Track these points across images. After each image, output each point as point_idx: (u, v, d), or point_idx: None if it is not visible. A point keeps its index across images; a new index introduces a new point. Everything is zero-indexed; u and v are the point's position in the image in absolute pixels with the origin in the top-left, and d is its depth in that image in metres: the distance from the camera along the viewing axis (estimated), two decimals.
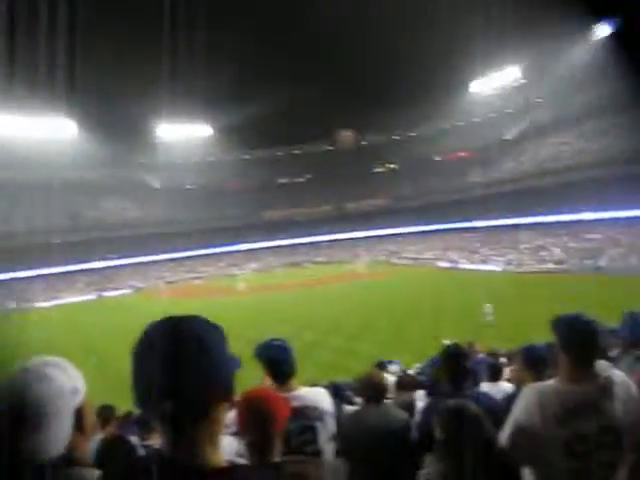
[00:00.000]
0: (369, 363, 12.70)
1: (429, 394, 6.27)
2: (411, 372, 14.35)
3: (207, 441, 1.13)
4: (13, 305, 61.94)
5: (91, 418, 1.66)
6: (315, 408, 3.19)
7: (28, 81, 72.91)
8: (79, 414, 1.57)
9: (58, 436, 1.48)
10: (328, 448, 3.20)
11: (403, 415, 3.94)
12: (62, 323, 45.18)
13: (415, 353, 19.85)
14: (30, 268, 68.85)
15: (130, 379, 1.13)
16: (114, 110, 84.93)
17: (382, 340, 26.32)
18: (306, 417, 3.14)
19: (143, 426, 4.94)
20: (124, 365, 1.31)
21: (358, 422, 3.42)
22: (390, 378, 16.44)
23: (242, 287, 54.24)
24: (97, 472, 1.58)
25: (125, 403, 2.85)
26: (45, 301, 63.39)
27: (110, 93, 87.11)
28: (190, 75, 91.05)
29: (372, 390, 4.04)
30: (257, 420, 2.11)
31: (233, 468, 1.18)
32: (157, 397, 1.08)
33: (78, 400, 1.57)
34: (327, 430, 3.19)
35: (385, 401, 4.14)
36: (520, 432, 2.46)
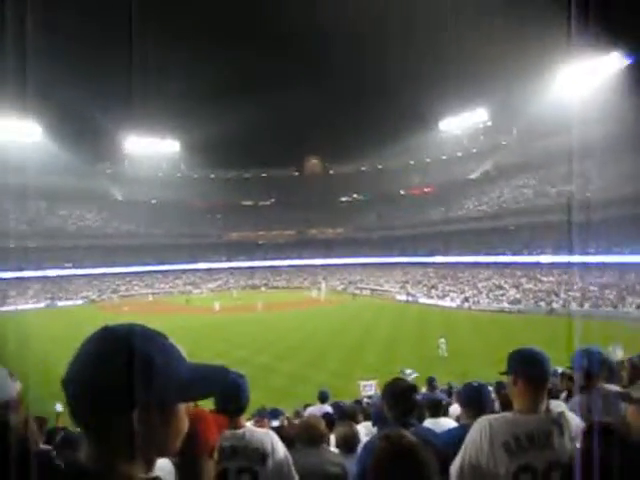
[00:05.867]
0: (319, 390, 12.57)
1: (374, 425, 6.23)
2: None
3: (125, 453, 1.06)
4: None
5: None
6: (256, 449, 3.10)
7: None
8: None
9: None
10: None
11: (339, 459, 3.92)
12: (10, 329, 43.97)
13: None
14: None
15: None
16: (83, 118, 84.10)
17: (334, 369, 26.22)
18: (246, 458, 3.06)
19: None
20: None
21: (294, 467, 3.33)
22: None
23: (217, 307, 53.68)
24: None
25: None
26: None
27: (81, 101, 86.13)
28: (161, 91, 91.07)
29: (309, 434, 3.99)
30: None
31: None
32: (73, 406, 1.06)
33: None
34: (269, 474, 3.07)
35: (323, 445, 4.09)
36: (469, 462, 2.44)
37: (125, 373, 1.03)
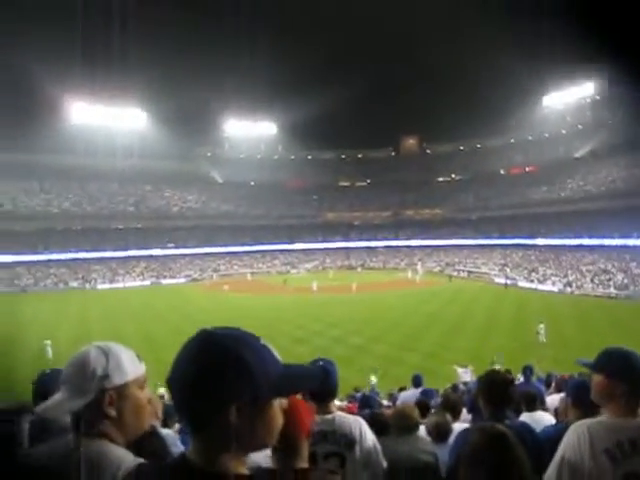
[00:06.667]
0: (412, 372, 12.62)
1: (469, 412, 6.20)
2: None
3: (224, 448, 1.17)
4: (75, 284, 64.51)
5: (131, 407, 1.78)
6: (344, 435, 3.17)
7: (106, 72, 76.09)
8: (102, 398, 1.71)
9: (65, 404, 1.69)
10: (358, 478, 3.16)
11: (431, 448, 3.96)
12: (118, 305, 46.68)
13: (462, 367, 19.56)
14: (94, 250, 71.42)
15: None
16: (184, 104, 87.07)
17: (428, 351, 26.12)
18: (334, 443, 3.14)
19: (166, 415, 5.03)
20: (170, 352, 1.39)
21: (386, 454, 3.39)
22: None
23: (315, 287, 54.15)
24: (124, 453, 1.74)
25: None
26: (104, 283, 65.71)
27: (181, 87, 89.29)
28: (259, 73, 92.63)
29: (403, 422, 4.05)
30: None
31: (253, 475, 1.20)
32: (177, 404, 1.19)
33: (106, 385, 1.71)
34: (357, 460, 3.14)
35: (415, 433, 4.14)
36: (568, 470, 2.36)
37: (222, 373, 1.14)
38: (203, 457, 1.17)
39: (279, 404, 1.27)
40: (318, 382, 1.40)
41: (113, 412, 1.73)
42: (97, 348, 1.77)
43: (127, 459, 1.68)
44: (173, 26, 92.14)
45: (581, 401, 3.63)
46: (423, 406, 6.18)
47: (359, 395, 13.22)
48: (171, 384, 1.19)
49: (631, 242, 56.64)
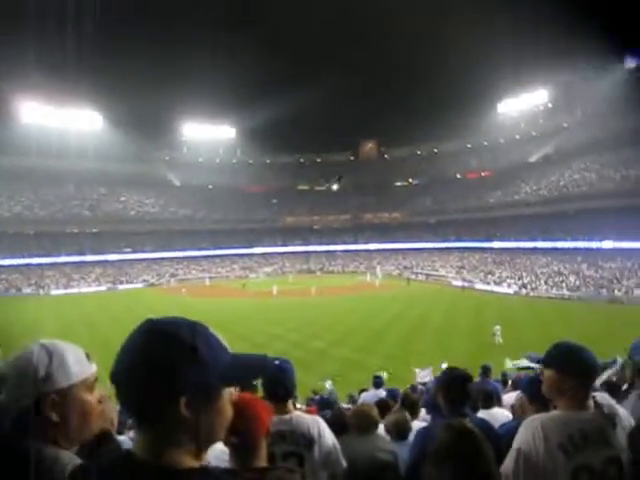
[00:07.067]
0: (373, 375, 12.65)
1: (428, 412, 6.23)
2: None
3: (173, 441, 1.12)
4: (28, 290, 62.96)
5: (77, 411, 1.66)
6: (303, 435, 3.12)
7: (60, 73, 74.46)
8: (44, 401, 1.59)
9: (5, 406, 1.59)
10: (318, 477, 3.11)
11: (390, 447, 3.95)
12: (72, 310, 45.70)
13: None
14: (47, 255, 69.90)
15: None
16: (141, 106, 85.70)
17: (388, 354, 26.22)
18: (292, 442, 3.09)
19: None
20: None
21: (345, 453, 3.35)
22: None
23: (275, 291, 53.78)
24: (69, 455, 1.63)
25: None
26: (59, 289, 64.31)
27: (138, 90, 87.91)
28: (218, 78, 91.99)
29: (362, 421, 4.03)
30: (239, 422, 2.00)
31: (200, 470, 1.15)
32: (123, 398, 1.13)
33: (48, 387, 1.59)
34: (316, 459, 3.09)
35: (375, 432, 4.12)
36: (524, 464, 2.35)
37: (171, 362, 1.09)
38: (150, 451, 1.11)
39: (229, 395, 1.23)
40: (269, 371, 1.35)
41: (55, 416, 1.61)
42: (41, 347, 1.66)
43: (73, 463, 1.58)
44: (131, 28, 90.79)
45: (536, 397, 3.65)
46: (383, 406, 6.18)
47: (318, 398, 13.19)
48: (116, 377, 1.13)
49: (582, 245, 58.12)
